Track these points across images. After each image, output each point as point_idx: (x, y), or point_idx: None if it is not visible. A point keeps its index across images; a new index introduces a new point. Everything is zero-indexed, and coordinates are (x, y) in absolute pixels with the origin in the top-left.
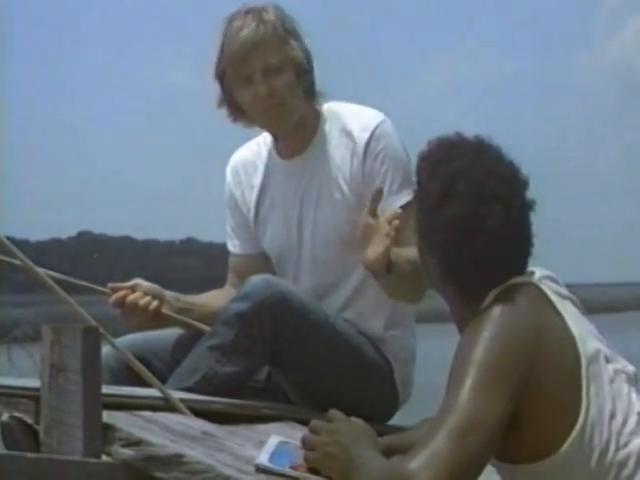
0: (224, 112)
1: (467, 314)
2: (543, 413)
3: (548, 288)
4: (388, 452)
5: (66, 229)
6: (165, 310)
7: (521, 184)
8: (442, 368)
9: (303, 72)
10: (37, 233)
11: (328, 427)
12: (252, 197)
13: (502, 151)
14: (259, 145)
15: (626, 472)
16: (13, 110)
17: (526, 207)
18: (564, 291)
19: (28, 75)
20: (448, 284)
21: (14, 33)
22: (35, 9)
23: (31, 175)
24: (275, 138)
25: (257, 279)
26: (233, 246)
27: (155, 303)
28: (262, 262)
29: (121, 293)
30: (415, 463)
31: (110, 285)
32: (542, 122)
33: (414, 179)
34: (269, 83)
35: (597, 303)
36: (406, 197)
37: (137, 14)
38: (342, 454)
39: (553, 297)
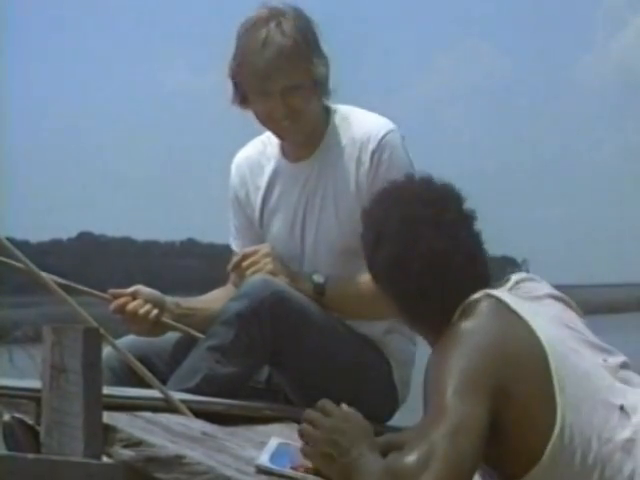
0: (236, 108)
1: (440, 333)
2: (520, 423)
3: (513, 295)
4: (387, 450)
5: (66, 230)
6: (165, 318)
7: (453, 199)
8: None
9: (322, 83)
10: (37, 234)
11: (328, 424)
12: (257, 199)
13: (430, 179)
14: (264, 144)
15: (611, 468)
16: (13, 111)
17: (463, 219)
18: (541, 291)
19: (28, 77)
20: (418, 320)
21: (14, 34)
22: (35, 9)
23: (31, 176)
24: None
25: (255, 279)
26: (236, 245)
27: (155, 312)
28: None
29: (121, 300)
30: (413, 465)
31: (111, 291)
32: (543, 122)
33: None
34: (287, 103)
35: (597, 303)
36: None
37: (137, 14)
38: (341, 456)
39: (516, 305)
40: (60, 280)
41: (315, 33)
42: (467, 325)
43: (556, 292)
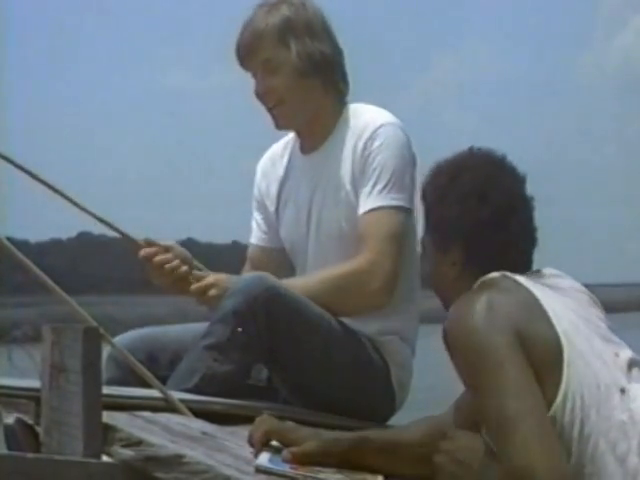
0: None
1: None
2: None
3: (531, 280)
4: (362, 445)
5: (66, 230)
6: (191, 278)
7: (521, 177)
8: (442, 369)
9: (309, 71)
10: (37, 234)
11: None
12: (274, 190)
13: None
14: (289, 139)
15: (605, 444)
16: (12, 110)
17: (529, 199)
18: (567, 284)
19: (28, 75)
20: (469, 274)
21: (13, 33)
22: (35, 9)
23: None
24: (298, 133)
25: (249, 276)
26: (254, 237)
27: (184, 268)
28: (278, 256)
29: (152, 250)
30: (518, 461)
31: (146, 239)
32: (542, 122)
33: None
34: (265, 83)
35: None
36: (383, 201)
37: (137, 13)
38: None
39: (532, 287)
40: (100, 215)
41: (311, 23)
42: (484, 299)
43: (582, 288)
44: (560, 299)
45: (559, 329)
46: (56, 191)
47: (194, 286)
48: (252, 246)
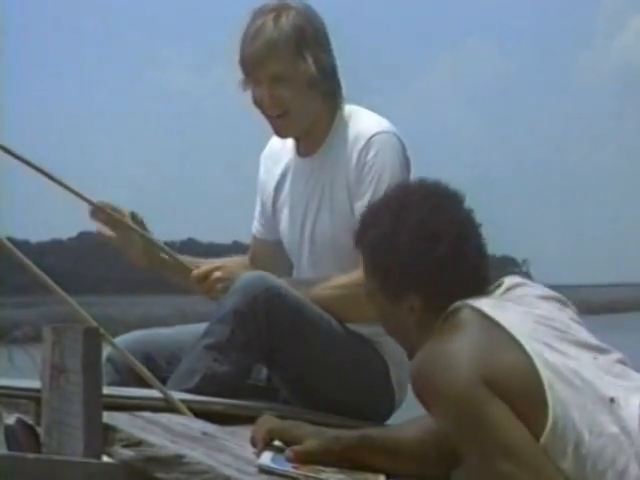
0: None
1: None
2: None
3: (495, 300)
4: (363, 444)
5: (66, 230)
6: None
7: (461, 197)
8: None
9: (318, 81)
10: (37, 234)
11: None
12: (272, 188)
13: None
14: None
15: (603, 462)
16: (13, 111)
17: (473, 215)
18: (532, 294)
19: (28, 77)
20: (431, 315)
21: (12, 34)
22: (36, 8)
23: (32, 176)
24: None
25: (249, 275)
26: (253, 227)
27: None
28: (273, 248)
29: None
30: None
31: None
32: (542, 122)
33: None
34: (273, 93)
35: (597, 304)
36: None
37: (137, 13)
38: None
39: (494, 313)
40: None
41: (318, 32)
42: (451, 341)
43: (550, 293)
44: (526, 314)
45: (530, 351)
46: (56, 181)
47: (195, 272)
48: (252, 236)
